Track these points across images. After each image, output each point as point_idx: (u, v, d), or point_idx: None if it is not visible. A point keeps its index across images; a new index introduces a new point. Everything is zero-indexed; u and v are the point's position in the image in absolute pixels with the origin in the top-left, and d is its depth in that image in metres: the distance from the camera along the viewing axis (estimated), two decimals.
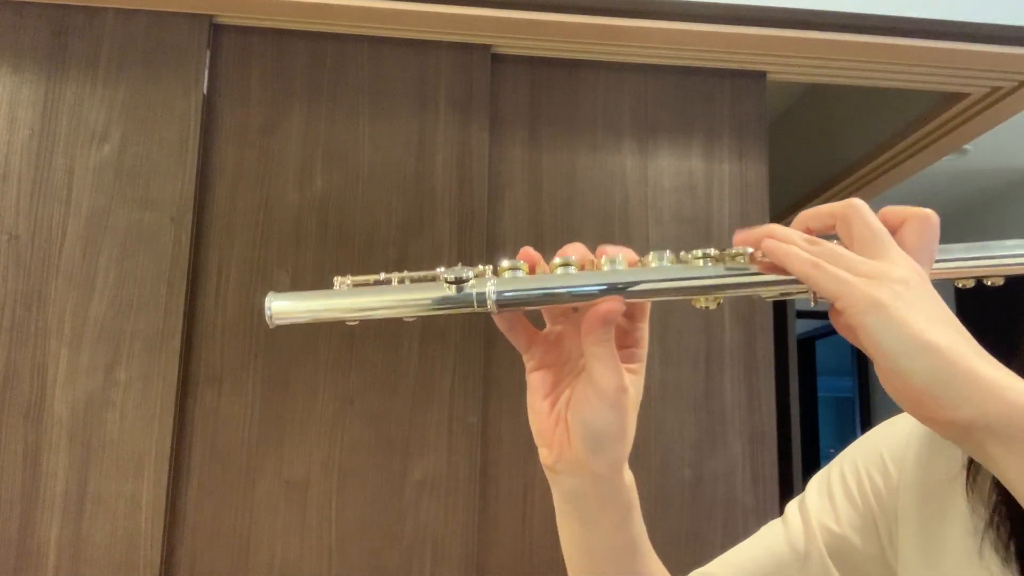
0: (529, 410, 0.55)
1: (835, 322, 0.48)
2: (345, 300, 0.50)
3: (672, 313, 1.66)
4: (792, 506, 0.67)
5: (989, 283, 0.52)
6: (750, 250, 0.49)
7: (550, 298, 0.49)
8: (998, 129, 2.01)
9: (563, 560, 0.62)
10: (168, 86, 1.58)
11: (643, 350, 0.55)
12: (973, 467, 0.55)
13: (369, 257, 1.59)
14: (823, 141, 2.75)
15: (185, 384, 1.51)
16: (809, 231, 0.50)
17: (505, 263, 0.51)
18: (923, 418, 0.44)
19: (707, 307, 0.50)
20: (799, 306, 3.97)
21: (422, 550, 1.52)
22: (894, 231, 0.49)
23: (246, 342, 1.54)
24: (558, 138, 1.71)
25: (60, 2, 1.57)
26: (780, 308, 3.64)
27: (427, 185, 1.63)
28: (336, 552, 1.50)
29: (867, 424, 5.09)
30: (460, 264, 0.50)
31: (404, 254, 1.60)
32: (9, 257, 1.49)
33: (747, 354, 1.67)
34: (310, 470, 1.52)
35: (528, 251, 0.52)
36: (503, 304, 0.49)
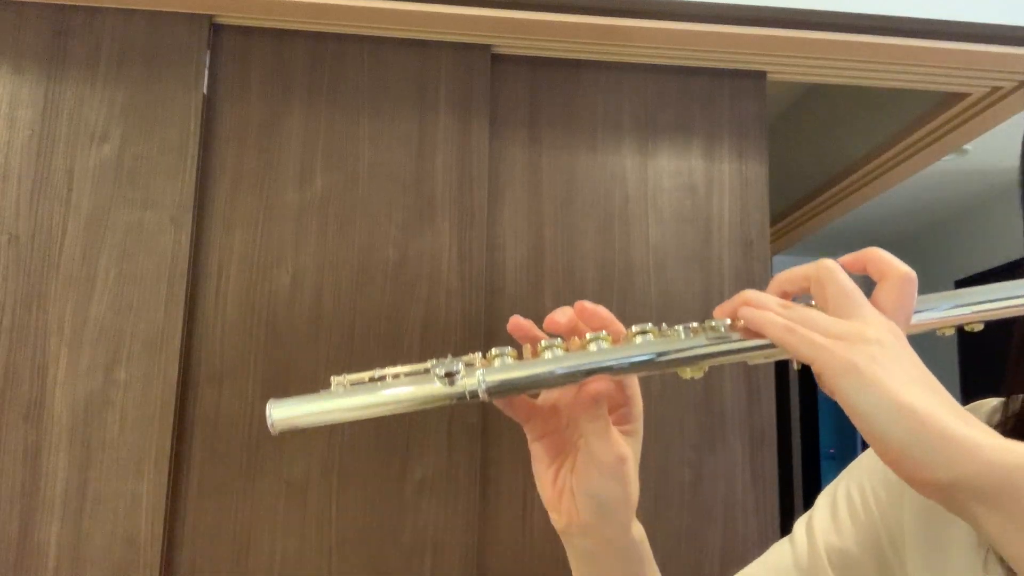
0: (536, 479, 0.57)
1: (818, 380, 0.48)
2: (343, 402, 0.52)
3: (672, 313, 1.66)
4: (800, 524, 0.67)
5: (969, 328, 0.52)
6: (728, 321, 0.51)
7: (538, 383, 0.51)
8: (998, 129, 2.01)
9: (563, 560, 0.62)
10: (168, 86, 1.58)
11: (636, 407, 0.56)
12: None
13: (369, 257, 1.59)
14: (823, 141, 2.75)
15: (185, 384, 1.51)
16: (785, 295, 0.51)
17: (493, 350, 0.52)
18: (906, 478, 0.44)
19: (693, 376, 0.52)
20: None
21: (422, 550, 1.52)
22: (873, 280, 0.50)
23: (246, 342, 1.54)
24: (558, 138, 1.71)
25: (60, 2, 1.57)
26: None
27: (427, 185, 1.63)
28: (336, 552, 1.50)
29: None
30: (450, 356, 0.52)
31: (404, 254, 1.60)
32: (9, 257, 1.49)
33: None
34: (310, 470, 1.52)
35: (517, 322, 0.54)
36: (493, 393, 0.51)
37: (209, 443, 1.50)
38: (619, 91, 1.74)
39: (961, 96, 1.89)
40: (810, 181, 2.79)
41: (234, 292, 1.55)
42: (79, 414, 1.46)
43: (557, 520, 0.56)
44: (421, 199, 1.63)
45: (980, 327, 0.52)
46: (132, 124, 1.56)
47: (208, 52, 1.61)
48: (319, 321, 1.56)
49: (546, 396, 0.57)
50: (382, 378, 0.53)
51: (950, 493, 0.43)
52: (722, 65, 1.75)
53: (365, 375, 0.53)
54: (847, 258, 0.50)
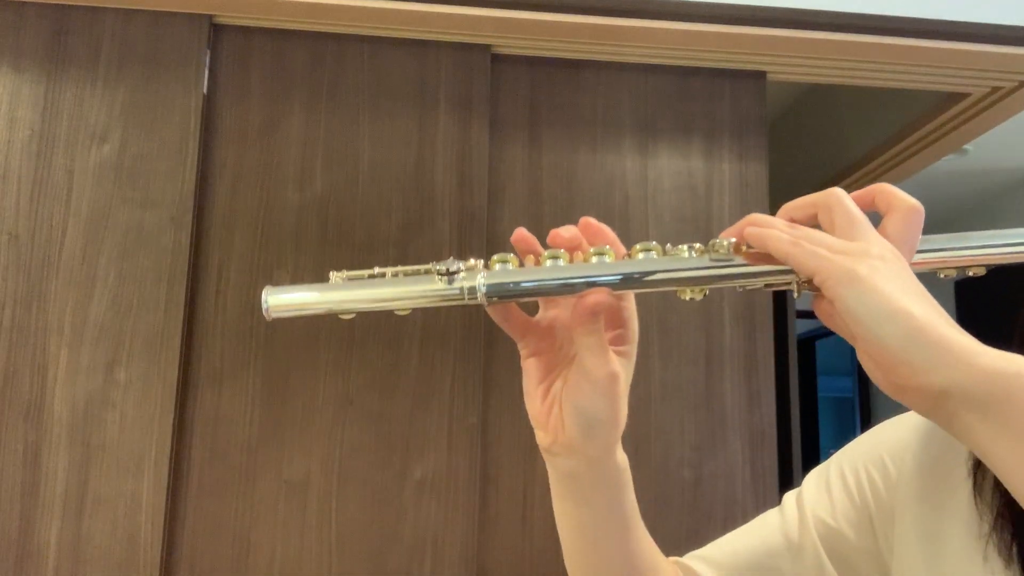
0: (525, 395, 0.57)
1: (817, 309, 0.49)
2: (339, 293, 0.52)
3: (672, 313, 1.66)
4: (789, 497, 0.67)
5: (971, 273, 0.53)
6: (733, 239, 0.51)
7: (538, 291, 0.51)
8: (998, 129, 2.01)
9: (563, 561, 0.62)
10: (168, 86, 1.58)
11: (632, 330, 0.56)
12: (980, 471, 0.55)
13: (369, 257, 1.59)
14: (823, 141, 2.75)
15: (185, 384, 1.51)
16: (792, 222, 0.51)
17: (495, 256, 0.52)
18: (897, 387, 0.45)
19: (693, 298, 0.52)
20: (799, 306, 3.97)
21: (422, 550, 1.52)
22: (880, 213, 0.50)
23: (246, 342, 1.54)
24: (558, 138, 1.71)
25: (60, 2, 1.57)
26: (780, 308, 3.64)
27: (427, 185, 1.63)
28: (336, 552, 1.50)
29: (867, 424, 5.09)
30: (453, 258, 0.52)
31: (404, 254, 1.60)
32: (9, 257, 1.49)
33: (747, 354, 1.67)
34: (310, 470, 1.52)
35: (521, 234, 0.54)
36: (492, 296, 0.51)
37: (209, 443, 1.50)
38: (619, 91, 1.74)
39: (961, 96, 1.89)
40: (810, 181, 2.79)
41: (234, 292, 1.55)
42: (79, 414, 1.46)
43: (543, 438, 0.56)
44: (421, 199, 1.63)
45: (982, 272, 0.52)
46: (132, 124, 1.56)
47: (208, 52, 1.61)
48: (319, 321, 1.56)
49: (543, 314, 0.57)
50: (381, 275, 0.53)
51: (943, 400, 0.43)
52: (722, 65, 1.75)
53: (364, 272, 0.53)
54: (856, 193, 0.51)
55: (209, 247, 1.56)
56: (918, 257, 0.51)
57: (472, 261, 0.52)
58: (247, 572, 1.48)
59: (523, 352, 0.57)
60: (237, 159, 1.60)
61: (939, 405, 0.43)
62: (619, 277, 0.50)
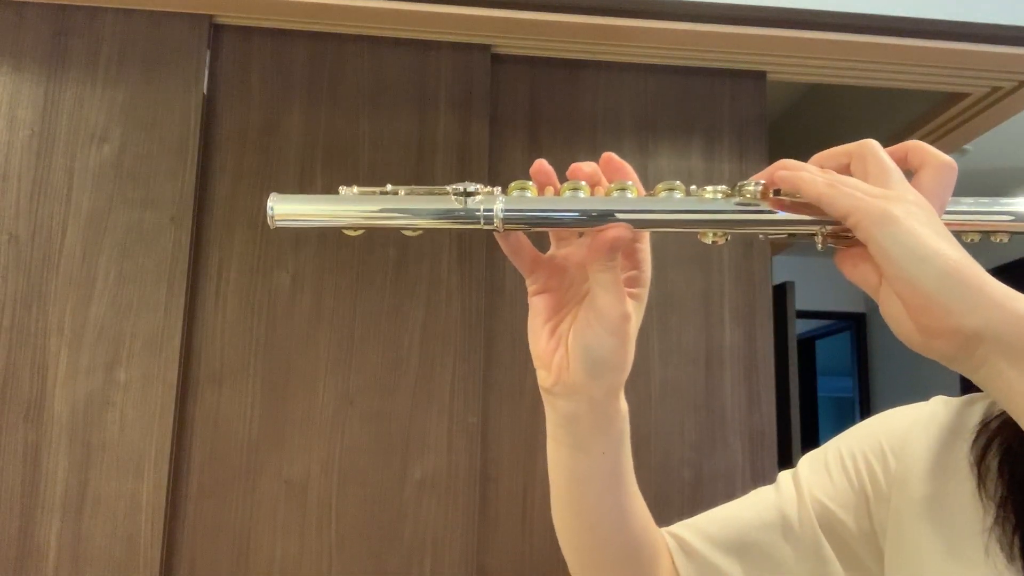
0: (530, 333, 0.55)
1: (840, 261, 0.48)
2: (350, 206, 0.49)
3: (672, 313, 1.66)
4: (785, 476, 0.67)
5: (995, 239, 0.52)
6: (762, 182, 0.50)
7: (557, 221, 0.49)
8: (998, 129, 2.01)
9: (563, 560, 0.62)
10: (168, 86, 1.58)
11: (646, 273, 0.55)
12: (983, 465, 0.55)
13: (369, 256, 1.59)
14: (823, 141, 2.75)
15: (185, 384, 1.51)
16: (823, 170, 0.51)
17: (514, 183, 0.50)
18: (928, 329, 0.44)
19: (715, 242, 0.50)
20: (799, 306, 3.97)
21: (422, 550, 1.52)
22: (913, 169, 0.50)
23: (246, 342, 1.54)
24: (558, 138, 1.71)
25: (60, 2, 1.57)
26: (780, 308, 3.64)
27: (427, 185, 1.63)
28: (336, 552, 1.50)
29: None
30: (469, 182, 0.49)
31: (404, 254, 1.60)
32: (9, 257, 1.49)
33: (747, 354, 1.67)
34: (310, 470, 1.52)
35: (541, 165, 0.52)
36: (509, 222, 0.49)
37: (209, 443, 1.50)
38: (619, 91, 1.74)
39: (961, 96, 1.89)
40: None
41: (234, 292, 1.55)
42: (79, 414, 1.46)
43: (545, 377, 0.54)
44: None
45: (1006, 239, 0.52)
46: (132, 124, 1.56)
47: (208, 52, 1.61)
48: (319, 321, 1.56)
49: (555, 250, 0.56)
50: (395, 193, 0.50)
51: (974, 344, 0.43)
52: (722, 65, 1.75)
53: (376, 188, 0.50)
54: (890, 148, 0.51)
55: (209, 247, 1.56)
56: (945, 217, 0.50)
57: (489, 188, 0.50)
58: (247, 572, 1.48)
59: (531, 288, 0.55)
60: (237, 159, 1.60)
61: (969, 349, 0.43)
62: (641, 212, 0.49)
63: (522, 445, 1.59)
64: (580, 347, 0.52)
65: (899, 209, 0.45)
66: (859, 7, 1.61)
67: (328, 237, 1.59)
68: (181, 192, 1.54)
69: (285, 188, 1.60)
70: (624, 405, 0.56)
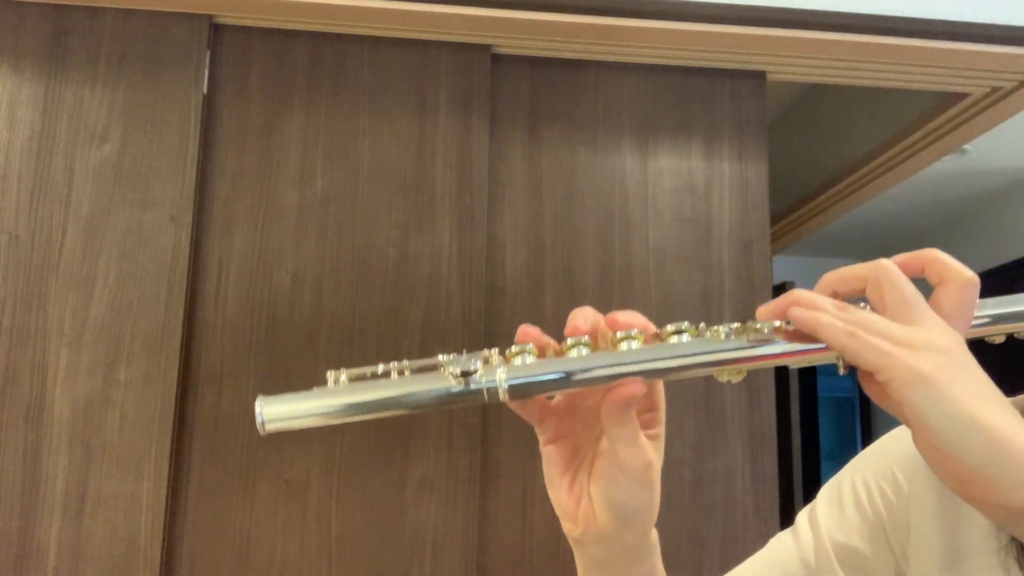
0: (548, 485, 0.53)
1: (868, 390, 0.45)
2: (342, 399, 0.46)
3: (672, 313, 1.66)
4: (802, 516, 0.67)
5: (1018, 336, 0.50)
6: (776, 323, 0.47)
7: (565, 384, 0.46)
8: (998, 129, 2.01)
9: (563, 560, 0.62)
10: (168, 86, 1.58)
11: (661, 411, 0.52)
12: None
13: (369, 257, 1.59)
14: (823, 141, 2.75)
15: (185, 384, 1.51)
16: (835, 295, 0.48)
17: (514, 348, 0.47)
18: (971, 498, 0.42)
19: (730, 380, 0.48)
20: None
21: (422, 550, 1.52)
22: (932, 284, 0.47)
23: (246, 342, 1.54)
24: (558, 138, 1.71)
25: (60, 2, 1.57)
26: None
27: (427, 185, 1.63)
28: (336, 552, 1.50)
29: (867, 424, 5.09)
30: (465, 352, 0.46)
31: (404, 254, 1.60)
32: (9, 257, 1.49)
33: None
34: (310, 470, 1.52)
35: (527, 331, 0.49)
36: (516, 394, 0.46)
37: (209, 443, 1.50)
38: (619, 91, 1.74)
39: (961, 96, 1.89)
40: (810, 181, 2.79)
41: (234, 292, 1.55)
42: (79, 414, 1.46)
43: (572, 528, 0.51)
44: (421, 199, 1.63)
45: None
46: (132, 124, 1.56)
47: (208, 52, 1.61)
48: (319, 321, 1.56)
49: (563, 395, 0.53)
50: (386, 374, 0.47)
51: (1017, 516, 0.41)
52: (722, 65, 1.75)
53: (367, 370, 0.48)
54: (902, 257, 0.47)
55: (209, 247, 1.56)
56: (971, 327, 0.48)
57: (487, 352, 0.47)
58: (247, 572, 1.48)
59: (542, 438, 0.52)
60: (237, 159, 1.60)
61: (1012, 520, 0.41)
62: (653, 362, 0.46)
63: (522, 445, 1.59)
64: (607, 500, 0.50)
65: (931, 364, 0.41)
66: (859, 7, 1.61)
67: (328, 237, 1.59)
68: (181, 192, 1.54)
69: (285, 188, 1.60)
70: (655, 536, 0.54)
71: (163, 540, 1.45)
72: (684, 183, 1.72)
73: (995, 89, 1.82)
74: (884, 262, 0.46)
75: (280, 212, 1.59)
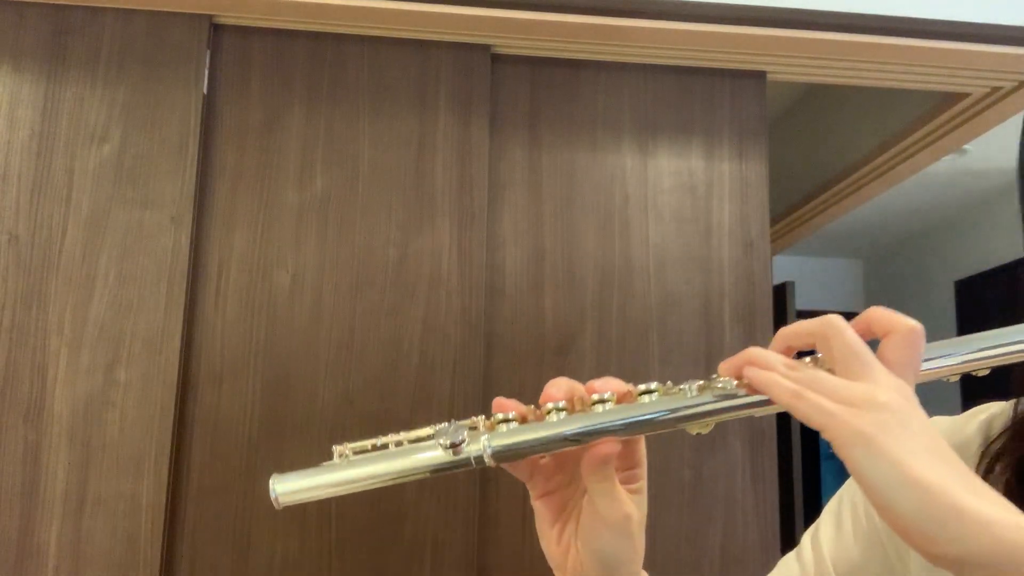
0: (539, 537, 0.58)
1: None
2: (347, 473, 0.54)
3: (672, 313, 1.66)
4: (806, 538, 0.68)
5: (975, 374, 0.52)
6: (735, 382, 0.50)
7: (545, 447, 0.51)
8: (998, 129, 2.01)
9: None
10: (168, 86, 1.58)
11: (642, 468, 0.56)
12: (988, 481, 0.56)
13: (369, 257, 1.59)
14: (823, 141, 2.75)
15: (185, 384, 1.51)
16: (790, 350, 0.51)
17: (498, 416, 0.53)
18: (917, 549, 0.44)
19: (700, 432, 0.52)
20: (799, 306, 3.97)
21: (422, 550, 1.52)
22: (878, 338, 0.49)
23: (246, 342, 1.54)
24: (558, 138, 1.71)
25: (60, 2, 1.57)
26: (780, 308, 3.64)
27: (427, 185, 1.63)
28: (336, 552, 1.50)
29: None
30: (452, 421, 0.52)
31: (404, 254, 1.60)
32: (9, 257, 1.49)
33: None
34: None
35: (502, 403, 0.54)
36: (499, 457, 0.51)
37: (209, 443, 1.50)
38: (619, 91, 1.74)
39: (961, 96, 1.89)
40: (810, 181, 2.79)
41: (234, 292, 1.55)
42: (79, 414, 1.46)
43: None
44: (421, 199, 1.63)
45: (986, 372, 0.51)
46: (132, 124, 1.56)
47: (208, 52, 1.61)
48: (319, 321, 1.56)
49: (549, 455, 0.57)
50: (384, 446, 0.53)
51: (959, 568, 0.42)
52: (722, 65, 1.75)
53: (367, 443, 0.54)
54: (853, 321, 0.50)
55: (209, 247, 1.56)
56: (921, 370, 0.49)
57: (473, 419, 0.53)
58: (247, 572, 1.48)
59: (533, 494, 0.57)
60: (237, 159, 1.60)
61: (958, 570, 0.43)
62: (625, 425, 0.50)
63: None
64: (590, 551, 0.54)
65: (871, 423, 0.43)
66: (859, 7, 1.61)
67: (328, 237, 1.59)
68: (181, 192, 1.55)
69: (285, 188, 1.60)
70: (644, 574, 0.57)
71: (163, 540, 1.45)
72: (684, 183, 1.72)
73: (995, 89, 1.82)
74: (832, 318, 0.48)
75: (280, 212, 1.59)
